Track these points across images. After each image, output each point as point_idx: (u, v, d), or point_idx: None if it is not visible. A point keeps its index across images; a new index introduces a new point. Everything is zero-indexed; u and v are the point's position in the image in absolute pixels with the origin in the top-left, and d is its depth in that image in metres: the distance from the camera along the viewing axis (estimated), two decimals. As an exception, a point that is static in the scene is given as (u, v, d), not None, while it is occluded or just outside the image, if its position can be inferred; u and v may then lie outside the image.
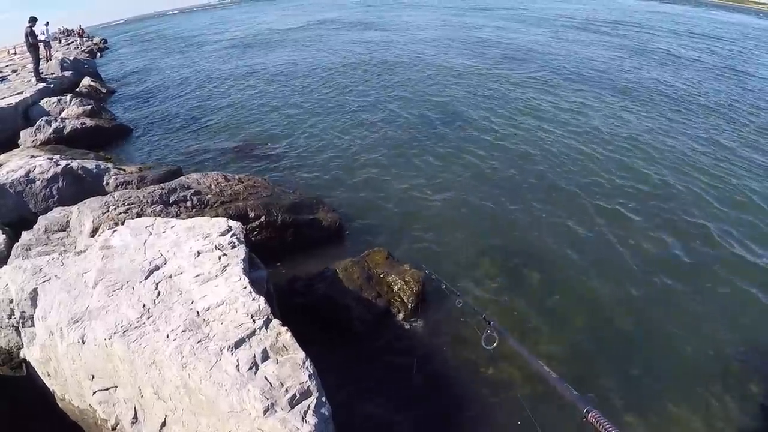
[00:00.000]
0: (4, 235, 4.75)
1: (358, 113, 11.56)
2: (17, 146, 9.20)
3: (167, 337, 2.74)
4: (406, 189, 7.46)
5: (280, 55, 20.98)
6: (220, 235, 3.81)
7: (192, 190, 5.56)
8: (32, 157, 6.99)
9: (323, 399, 2.46)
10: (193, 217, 4.82)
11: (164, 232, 3.91)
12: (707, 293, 5.15)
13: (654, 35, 24.67)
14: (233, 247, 3.67)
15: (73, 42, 34.82)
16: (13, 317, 3.45)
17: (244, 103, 13.41)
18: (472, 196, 7.14)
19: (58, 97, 12.14)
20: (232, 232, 3.88)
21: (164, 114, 13.06)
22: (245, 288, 3.15)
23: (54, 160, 6.40)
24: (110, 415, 2.98)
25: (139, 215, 4.74)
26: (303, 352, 2.69)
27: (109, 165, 7.05)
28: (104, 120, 11.39)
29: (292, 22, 36.13)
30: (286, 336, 2.79)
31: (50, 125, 9.57)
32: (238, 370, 2.51)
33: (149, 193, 5.21)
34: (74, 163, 6.40)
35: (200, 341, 2.70)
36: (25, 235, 4.64)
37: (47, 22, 17.97)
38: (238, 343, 2.68)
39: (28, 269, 3.47)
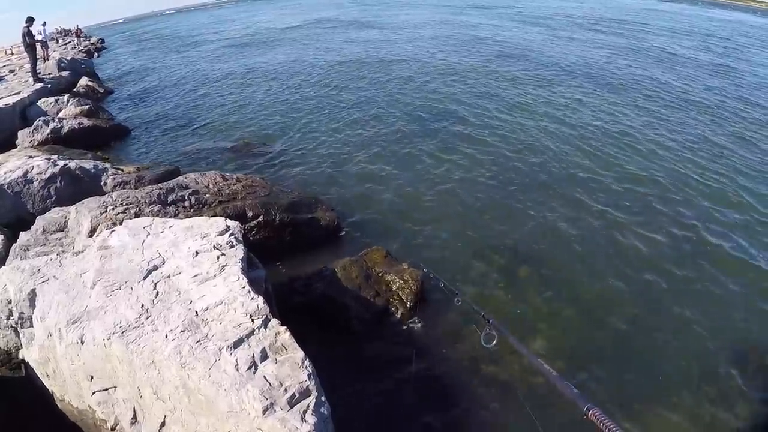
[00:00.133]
0: (2, 236, 4.74)
1: (356, 112, 11.56)
2: (15, 146, 9.18)
3: (166, 337, 2.74)
4: (404, 187, 7.46)
5: (277, 55, 20.95)
6: (218, 235, 3.80)
7: (190, 190, 5.55)
8: (30, 157, 6.97)
9: (322, 398, 2.46)
10: (191, 216, 4.81)
11: (162, 232, 3.90)
12: (705, 293, 5.15)
13: (650, 33, 24.69)
14: (231, 246, 3.67)
15: (70, 42, 34.72)
16: (11, 318, 3.44)
17: (242, 102, 13.39)
18: (470, 195, 7.15)
19: (56, 98, 12.10)
20: (230, 232, 3.87)
21: (162, 114, 13.03)
22: (244, 288, 3.15)
23: (52, 160, 6.38)
24: (109, 416, 2.98)
25: (137, 215, 4.73)
26: (302, 352, 2.69)
27: (107, 165, 7.04)
28: (102, 120, 11.36)
29: (290, 21, 36.09)
30: (285, 335, 2.79)
31: (48, 125, 9.54)
32: (237, 370, 2.51)
33: (147, 193, 5.20)
34: (72, 164, 6.38)
35: (199, 341, 2.70)
36: (23, 236, 4.63)
37: (44, 22, 17.87)
38: (237, 343, 2.68)
39: (26, 270, 3.46)
